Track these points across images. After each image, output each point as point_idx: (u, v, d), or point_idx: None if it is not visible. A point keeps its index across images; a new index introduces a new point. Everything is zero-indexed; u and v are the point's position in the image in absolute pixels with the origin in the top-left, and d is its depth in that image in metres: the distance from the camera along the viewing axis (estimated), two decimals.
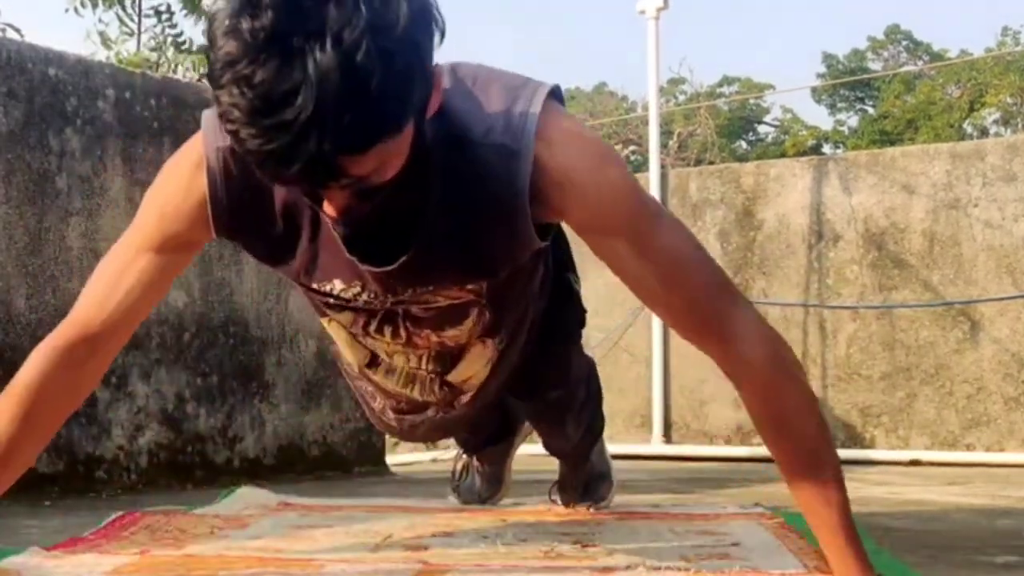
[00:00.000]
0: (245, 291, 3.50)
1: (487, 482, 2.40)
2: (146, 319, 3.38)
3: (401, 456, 4.87)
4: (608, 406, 2.23)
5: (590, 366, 2.10)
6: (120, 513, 2.08)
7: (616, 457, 2.49)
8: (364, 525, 2.08)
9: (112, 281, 1.43)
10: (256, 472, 3.40)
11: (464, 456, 2.41)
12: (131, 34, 5.35)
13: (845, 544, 1.33)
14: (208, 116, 1.32)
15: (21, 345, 2.87)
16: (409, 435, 1.94)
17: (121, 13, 5.30)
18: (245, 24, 1.03)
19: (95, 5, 5.21)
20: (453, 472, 2.45)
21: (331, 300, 1.49)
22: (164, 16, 5.35)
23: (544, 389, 1.93)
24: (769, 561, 1.66)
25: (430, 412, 1.79)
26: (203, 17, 5.28)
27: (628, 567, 1.60)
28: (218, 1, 1.07)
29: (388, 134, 1.09)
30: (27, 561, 1.59)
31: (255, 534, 1.96)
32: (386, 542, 1.86)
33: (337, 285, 1.44)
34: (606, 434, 2.29)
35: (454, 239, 1.34)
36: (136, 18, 5.36)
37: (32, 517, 2.35)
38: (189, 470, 3.27)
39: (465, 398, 1.75)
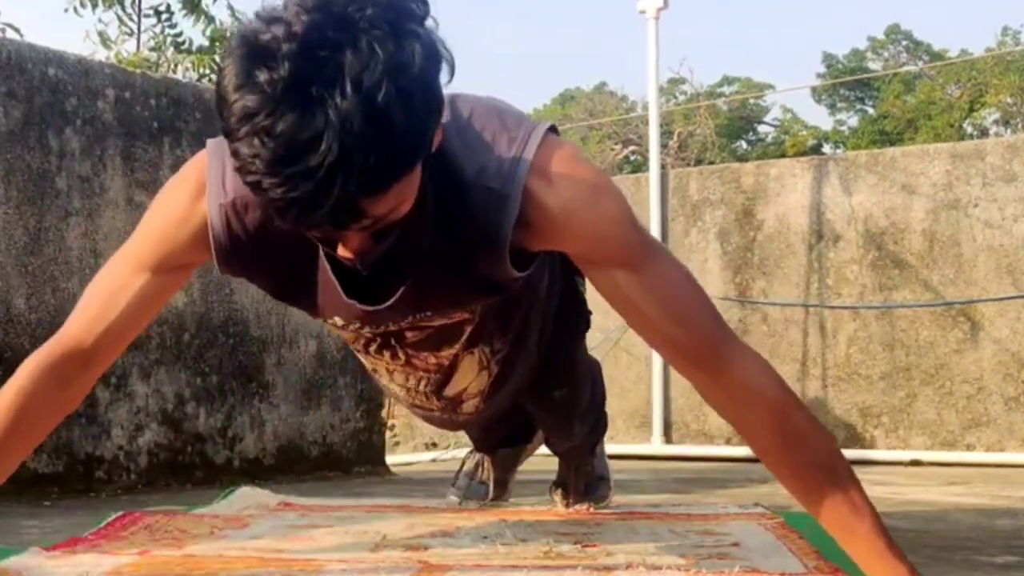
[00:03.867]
0: (245, 291, 3.50)
1: (491, 486, 2.40)
2: None
3: (401, 456, 4.87)
4: (608, 407, 2.24)
5: (596, 368, 2.13)
6: (120, 513, 2.08)
7: (616, 457, 2.49)
8: (364, 525, 2.08)
9: (107, 298, 1.44)
10: (256, 472, 3.40)
11: (476, 455, 2.42)
12: (131, 34, 5.35)
13: (886, 549, 1.30)
14: (213, 167, 1.35)
15: (21, 345, 2.87)
16: (433, 423, 1.98)
17: (121, 13, 5.30)
18: (262, 76, 1.03)
19: (95, 5, 5.21)
20: (460, 469, 2.45)
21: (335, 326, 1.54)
22: (164, 16, 5.35)
23: (550, 388, 1.94)
24: (769, 561, 1.66)
25: (437, 414, 1.84)
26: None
27: (628, 567, 1.60)
28: (228, 55, 1.07)
29: (406, 171, 1.11)
30: (27, 561, 1.59)
31: (255, 534, 1.96)
32: (384, 542, 1.86)
33: (338, 321, 1.49)
34: (607, 434, 2.30)
35: (445, 274, 1.37)
36: (136, 18, 5.35)
37: (32, 517, 2.35)
38: (189, 470, 3.27)
39: (468, 406, 1.79)
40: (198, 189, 1.37)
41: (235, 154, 1.07)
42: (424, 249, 1.33)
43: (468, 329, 1.56)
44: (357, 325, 1.49)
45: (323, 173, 1.04)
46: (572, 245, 1.38)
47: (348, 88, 1.03)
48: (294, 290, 1.44)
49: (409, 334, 1.54)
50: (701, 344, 1.35)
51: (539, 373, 1.85)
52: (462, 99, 1.39)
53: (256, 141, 1.04)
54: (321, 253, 1.34)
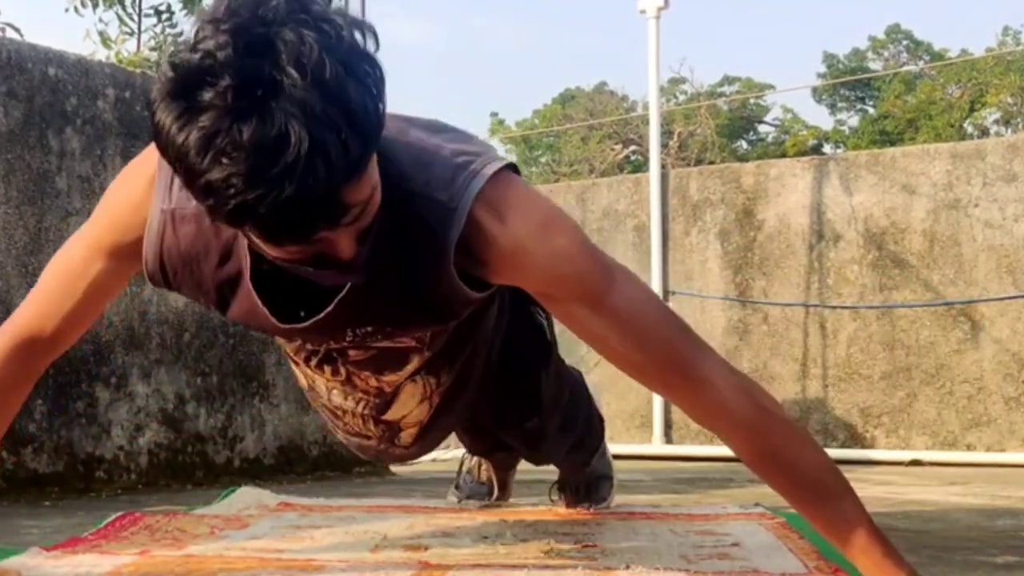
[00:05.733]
0: None
1: (490, 486, 2.40)
2: (146, 319, 3.37)
3: None
4: (608, 407, 2.24)
5: (575, 386, 2.05)
6: (120, 513, 2.08)
7: (616, 457, 2.49)
8: (364, 525, 2.08)
9: (66, 285, 1.44)
10: (256, 472, 3.40)
11: (472, 457, 2.41)
12: (131, 34, 5.35)
13: (883, 557, 1.29)
14: (164, 167, 1.28)
15: None
16: (365, 454, 1.93)
17: (121, 13, 5.29)
18: (207, 95, 1.00)
19: (95, 5, 5.20)
20: (460, 469, 2.45)
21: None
22: (164, 16, 5.34)
23: (518, 420, 1.90)
24: (769, 561, 1.66)
25: (372, 443, 1.78)
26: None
27: (628, 567, 1.60)
28: (162, 95, 1.03)
29: (373, 143, 1.08)
30: (27, 561, 1.59)
31: (255, 534, 1.96)
32: (384, 542, 1.86)
33: (278, 339, 1.48)
34: (606, 435, 2.29)
35: (386, 287, 1.32)
36: (136, 18, 5.35)
37: (32, 517, 2.35)
38: (189, 470, 3.27)
39: (405, 436, 1.75)
40: (152, 180, 1.34)
41: (207, 189, 1.03)
42: (363, 259, 1.24)
43: (415, 359, 1.53)
44: (298, 341, 1.49)
45: (303, 164, 1.00)
46: (525, 282, 1.35)
47: (295, 75, 1.00)
48: (223, 306, 1.39)
49: (352, 352, 1.50)
50: (667, 368, 1.33)
51: (499, 407, 1.82)
52: (420, 120, 1.36)
53: (225, 160, 1.01)
54: (246, 272, 1.31)
